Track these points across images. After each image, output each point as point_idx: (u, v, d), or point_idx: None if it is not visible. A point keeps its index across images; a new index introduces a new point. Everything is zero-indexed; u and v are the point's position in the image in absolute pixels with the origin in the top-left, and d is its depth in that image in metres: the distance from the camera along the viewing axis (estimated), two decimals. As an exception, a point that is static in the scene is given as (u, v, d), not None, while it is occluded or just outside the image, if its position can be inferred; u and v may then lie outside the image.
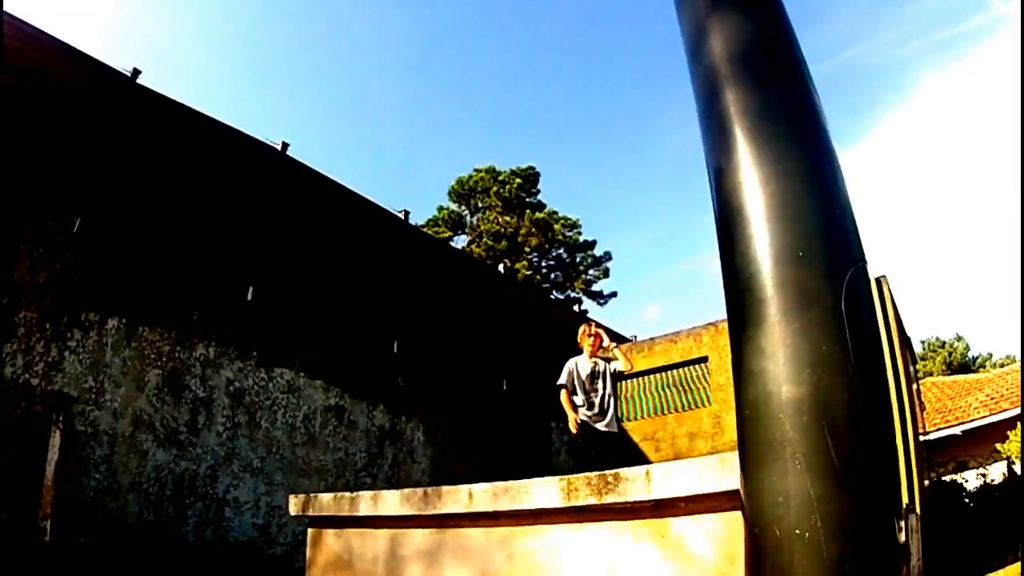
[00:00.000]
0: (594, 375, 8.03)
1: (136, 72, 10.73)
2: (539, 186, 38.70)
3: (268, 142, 11.99)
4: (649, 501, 3.06)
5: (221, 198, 11.56)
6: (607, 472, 3.24)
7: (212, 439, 10.32)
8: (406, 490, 4.52)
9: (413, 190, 65.57)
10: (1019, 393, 17.85)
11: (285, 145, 12.11)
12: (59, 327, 9.26)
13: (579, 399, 7.97)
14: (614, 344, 8.40)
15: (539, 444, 14.22)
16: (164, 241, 10.44)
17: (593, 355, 8.18)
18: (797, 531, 1.41)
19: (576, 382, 8.03)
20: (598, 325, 8.75)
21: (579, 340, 8.37)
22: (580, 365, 8.12)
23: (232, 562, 9.80)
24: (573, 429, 7.76)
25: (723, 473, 2.40)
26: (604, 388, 7.98)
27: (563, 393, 8.03)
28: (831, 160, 1.71)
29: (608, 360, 8.23)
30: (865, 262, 1.60)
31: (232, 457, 10.46)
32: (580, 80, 69.80)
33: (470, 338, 14.22)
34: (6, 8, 8.76)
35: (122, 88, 10.61)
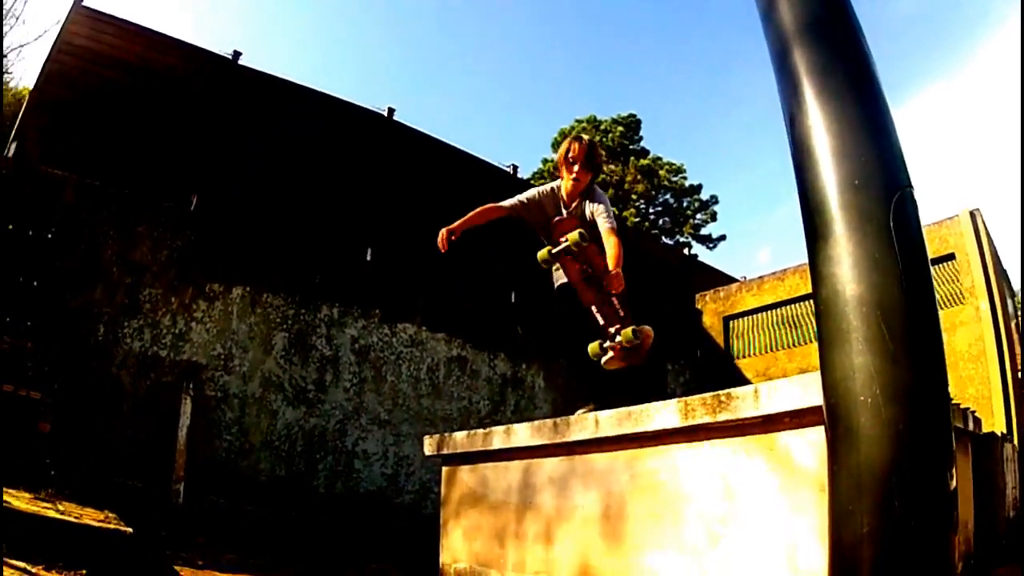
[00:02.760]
0: (563, 209, 5.30)
1: (237, 54, 11.60)
2: (641, 133, 38.76)
3: (375, 109, 12.78)
4: (758, 417, 3.54)
5: (334, 166, 12.36)
6: (720, 392, 3.74)
7: (340, 395, 11.18)
8: (536, 422, 5.12)
9: (519, 145, 66.09)
10: None
11: (391, 111, 12.89)
12: (184, 300, 10.18)
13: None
14: (601, 207, 5.13)
15: (656, 385, 14.65)
16: (281, 211, 11.26)
17: (573, 195, 5.25)
18: (862, 397, 1.94)
19: (532, 213, 5.36)
20: (591, 146, 5.29)
21: (558, 161, 5.38)
22: (546, 197, 5.39)
23: (362, 512, 10.65)
24: (443, 236, 5.21)
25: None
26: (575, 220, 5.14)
27: (491, 204, 5.44)
28: (882, 107, 2.22)
29: (584, 216, 5.21)
30: (911, 187, 2.09)
31: (360, 411, 11.31)
32: (676, 24, 68.73)
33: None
34: (110, 10, 9.63)
35: (225, 70, 11.48)
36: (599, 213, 5.05)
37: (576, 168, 5.17)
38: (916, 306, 1.96)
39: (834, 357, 2.05)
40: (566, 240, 4.69)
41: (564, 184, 5.32)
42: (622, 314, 4.91)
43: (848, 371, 1.99)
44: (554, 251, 4.73)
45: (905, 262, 1.98)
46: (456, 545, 5.82)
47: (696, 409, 3.81)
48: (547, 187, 5.43)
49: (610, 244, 4.84)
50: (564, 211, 5.24)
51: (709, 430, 3.80)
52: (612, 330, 4.93)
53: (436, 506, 10.14)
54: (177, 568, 5.10)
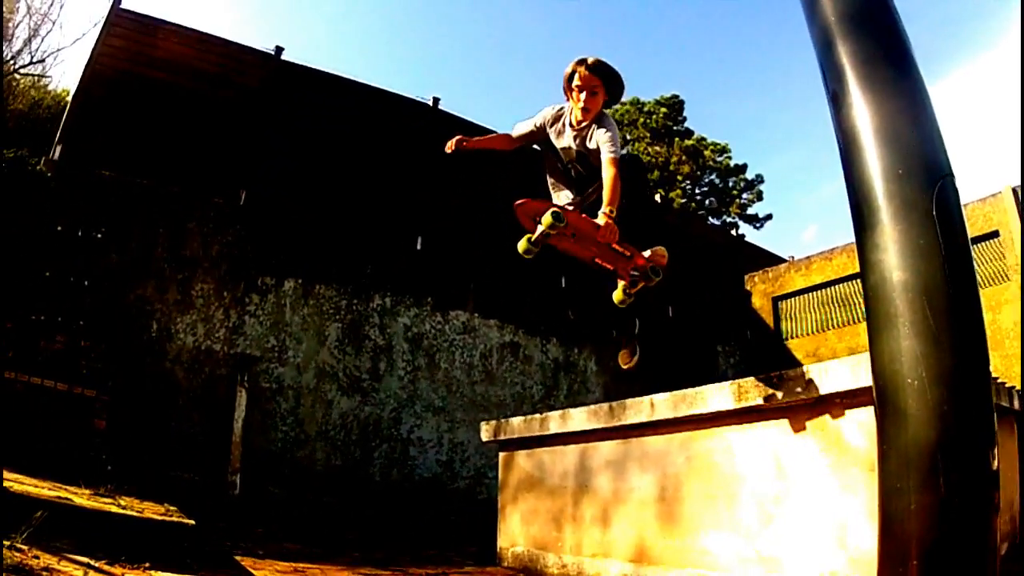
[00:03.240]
0: (572, 152, 4.77)
1: (279, 49, 11.80)
2: (685, 113, 38.48)
3: (420, 99, 12.91)
4: (810, 399, 3.64)
5: (380, 156, 12.50)
6: (772, 374, 3.83)
7: (394, 383, 11.33)
8: (592, 406, 5.24)
9: None
10: None
11: (436, 100, 13.00)
12: (236, 294, 10.39)
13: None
14: (607, 135, 4.52)
15: (706, 367, 14.69)
16: (330, 203, 11.41)
17: (582, 120, 4.62)
18: (908, 380, 2.04)
19: (535, 135, 4.98)
20: (597, 69, 4.61)
21: (563, 84, 4.74)
22: (552, 123, 4.86)
23: (418, 498, 10.81)
24: (453, 143, 4.88)
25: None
26: (581, 147, 4.70)
27: (501, 133, 5.26)
28: (923, 98, 2.29)
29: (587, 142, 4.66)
30: (951, 175, 2.19)
31: (414, 399, 11.44)
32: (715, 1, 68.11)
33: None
34: (149, 11, 9.85)
35: (268, 65, 11.68)
36: (603, 141, 4.52)
37: (584, 96, 4.60)
38: (958, 291, 2.06)
39: (882, 341, 2.16)
40: (541, 225, 4.22)
41: (573, 109, 4.75)
42: (628, 253, 4.53)
43: (895, 355, 2.10)
44: (533, 239, 4.30)
45: (948, 249, 2.08)
46: (514, 529, 5.96)
47: (750, 391, 3.91)
48: (554, 109, 4.88)
49: (607, 177, 4.38)
50: (571, 132, 4.73)
51: (762, 412, 3.90)
52: (629, 272, 4.54)
53: (491, 491, 10.29)
54: (238, 558, 5.14)
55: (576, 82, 4.60)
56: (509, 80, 71.12)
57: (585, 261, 4.64)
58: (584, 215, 4.35)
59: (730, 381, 4.10)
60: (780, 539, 3.65)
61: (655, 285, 4.47)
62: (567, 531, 5.27)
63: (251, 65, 11.69)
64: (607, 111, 4.76)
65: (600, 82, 4.58)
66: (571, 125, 4.74)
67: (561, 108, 4.84)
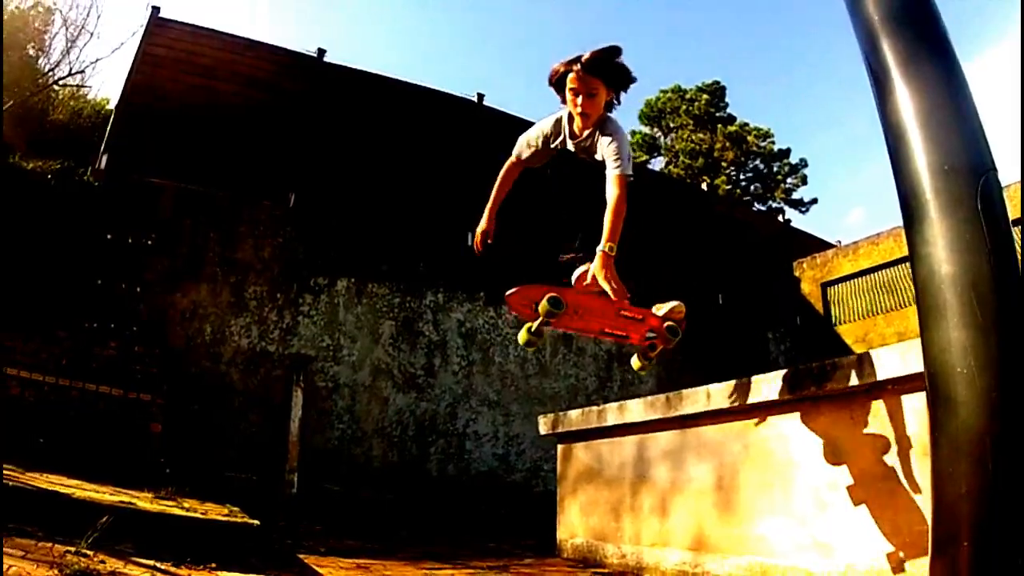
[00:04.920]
0: (570, 142, 4.21)
1: (321, 52, 12.03)
2: (727, 99, 38.53)
3: (464, 96, 13.11)
4: (862, 385, 3.70)
5: (428, 154, 12.70)
6: (825, 362, 3.91)
7: (449, 379, 11.57)
8: (648, 397, 5.36)
9: None
10: None
11: (481, 96, 13.19)
12: (290, 295, 10.64)
13: None
14: (613, 145, 3.95)
15: (757, 354, 14.71)
16: (379, 202, 11.61)
17: (584, 127, 4.07)
18: (958, 369, 2.15)
19: (541, 156, 4.44)
20: (593, 67, 3.92)
21: (551, 81, 4.11)
22: (553, 137, 4.28)
23: (474, 492, 11.01)
24: (478, 239, 4.74)
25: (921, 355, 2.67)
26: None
27: (506, 166, 4.62)
28: (966, 94, 2.40)
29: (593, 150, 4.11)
30: (995, 170, 2.29)
31: (469, 393, 11.68)
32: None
33: (684, 257, 14.93)
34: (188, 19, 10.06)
35: (311, 68, 11.92)
36: (608, 153, 3.95)
37: (581, 100, 3.95)
38: (1003, 284, 2.17)
39: (932, 332, 2.27)
40: (539, 315, 3.86)
41: (573, 115, 4.11)
42: (640, 316, 4.12)
43: (945, 344, 2.22)
44: (533, 328, 3.91)
45: (992, 242, 2.19)
46: (573, 520, 6.09)
47: (803, 379, 4.00)
48: (552, 119, 4.27)
49: (611, 198, 3.83)
50: (571, 144, 4.16)
51: (816, 399, 3.98)
52: (644, 335, 4.13)
53: (547, 484, 10.44)
54: (301, 556, 5.23)
55: (571, 85, 3.98)
56: (545, 72, 71.22)
57: (592, 334, 4.28)
58: (587, 284, 3.88)
59: (784, 369, 4.18)
60: (835, 525, 3.74)
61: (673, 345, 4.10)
62: (626, 521, 5.39)
63: (294, 68, 11.98)
64: (613, 114, 4.15)
65: (600, 81, 3.96)
66: (572, 136, 4.18)
67: (559, 117, 4.23)
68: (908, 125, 2.44)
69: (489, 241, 4.66)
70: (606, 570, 5.31)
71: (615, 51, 4.00)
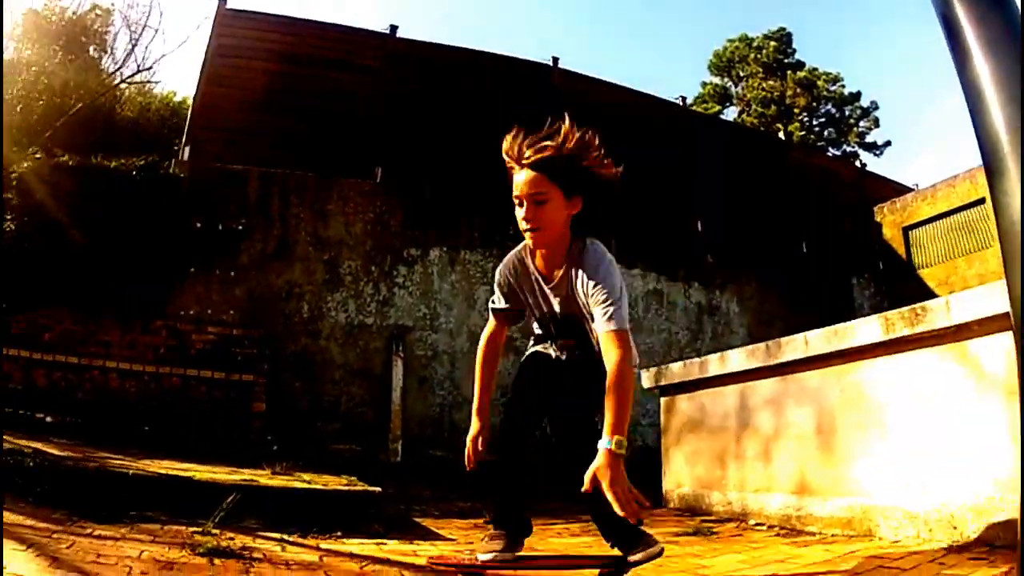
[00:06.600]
0: (559, 315, 3.30)
1: (393, 28, 12.48)
2: (794, 45, 38.52)
3: (539, 60, 13.47)
4: (950, 327, 3.90)
5: (506, 120, 12.98)
6: (915, 305, 4.12)
7: (548, 338, 11.78)
8: (749, 346, 5.61)
9: (673, 76, 66.04)
10: None
11: (555, 60, 13.49)
12: (384, 268, 11.05)
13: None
14: (598, 288, 3.02)
15: (841, 301, 14.70)
16: (464, 171, 11.88)
17: (551, 265, 3.24)
18: (1044, 316, 2.42)
19: (514, 296, 3.46)
20: (545, 157, 2.97)
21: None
22: (519, 277, 3.36)
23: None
24: (469, 450, 3.48)
25: (1006, 295, 2.98)
26: (568, 310, 3.25)
27: (483, 339, 3.66)
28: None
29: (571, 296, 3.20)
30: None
31: (565, 352, 11.86)
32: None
33: (766, 207, 14.99)
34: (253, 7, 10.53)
35: (384, 44, 12.36)
36: (597, 302, 2.98)
37: (524, 211, 3.01)
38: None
39: (1013, 277, 2.52)
40: None
41: (534, 253, 3.24)
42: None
43: (1028, 288, 2.47)
44: None
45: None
46: (678, 471, 6.39)
47: (896, 323, 4.21)
48: (513, 256, 3.36)
49: (611, 371, 2.90)
50: (544, 287, 3.24)
51: (908, 342, 4.19)
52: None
53: (644, 438, 10.80)
54: (417, 520, 5.49)
55: (514, 190, 3.01)
56: (612, 30, 71.00)
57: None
58: (585, 488, 2.72)
59: (877, 315, 4.39)
60: (929, 465, 3.96)
61: None
62: (730, 469, 5.66)
63: (368, 47, 12.44)
64: (587, 241, 3.18)
65: (547, 179, 2.97)
66: (540, 274, 3.25)
67: (521, 250, 3.32)
68: (986, 87, 2.67)
69: (481, 448, 3.45)
70: (712, 517, 5.57)
71: (581, 142, 3.02)
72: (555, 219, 3.01)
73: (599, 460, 2.68)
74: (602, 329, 2.94)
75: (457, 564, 3.33)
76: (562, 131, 3.00)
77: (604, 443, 2.72)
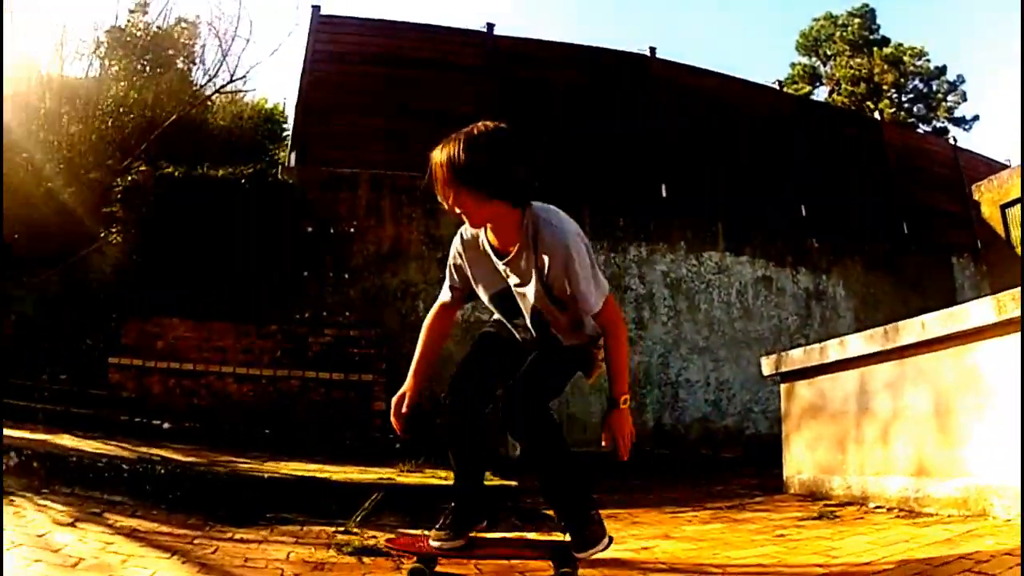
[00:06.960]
0: (498, 263, 3.15)
1: (490, 26, 12.83)
2: (877, 21, 38.14)
3: (637, 51, 13.66)
4: None
5: (609, 110, 13.13)
6: None
7: (659, 329, 12.06)
8: (867, 331, 5.65)
9: (764, 59, 65.56)
10: None
11: (653, 50, 13.62)
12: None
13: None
14: (558, 259, 2.94)
15: (942, 281, 14.66)
16: (571, 165, 12.02)
17: (505, 244, 3.11)
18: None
19: (462, 275, 3.43)
20: (444, 164, 2.88)
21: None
22: (472, 251, 3.31)
23: (688, 439, 11.64)
24: (394, 410, 3.42)
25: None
26: (525, 285, 3.09)
27: (432, 312, 3.61)
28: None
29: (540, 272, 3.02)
30: None
31: (679, 342, 12.11)
32: None
33: (865, 188, 14.92)
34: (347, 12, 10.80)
35: (482, 41, 12.95)
36: (576, 282, 2.94)
37: (468, 221, 3.07)
38: None
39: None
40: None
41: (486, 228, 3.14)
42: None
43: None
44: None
45: None
46: (798, 456, 6.47)
47: (1007, 304, 4.23)
48: (462, 234, 3.34)
49: (609, 330, 3.07)
50: (498, 262, 3.12)
51: (1019, 323, 4.20)
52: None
53: (757, 426, 10.91)
54: (546, 512, 5.40)
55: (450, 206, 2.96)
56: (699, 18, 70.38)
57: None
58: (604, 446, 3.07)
59: (990, 296, 4.41)
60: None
61: None
62: (850, 453, 5.70)
63: (467, 45, 12.75)
64: (540, 208, 3.07)
65: (452, 182, 2.87)
66: (493, 248, 3.14)
67: (466, 237, 3.32)
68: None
69: (405, 411, 3.39)
70: (833, 501, 5.60)
71: (471, 143, 2.90)
72: (480, 212, 2.92)
73: (614, 415, 3.02)
74: (593, 303, 2.97)
75: (412, 548, 3.36)
76: (454, 143, 2.90)
77: (615, 401, 3.03)
